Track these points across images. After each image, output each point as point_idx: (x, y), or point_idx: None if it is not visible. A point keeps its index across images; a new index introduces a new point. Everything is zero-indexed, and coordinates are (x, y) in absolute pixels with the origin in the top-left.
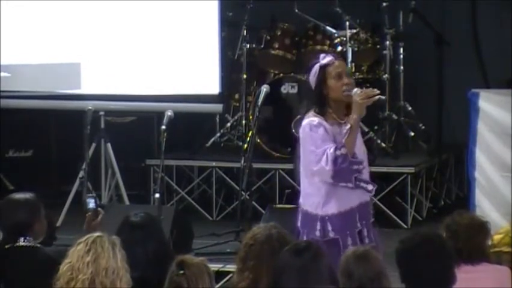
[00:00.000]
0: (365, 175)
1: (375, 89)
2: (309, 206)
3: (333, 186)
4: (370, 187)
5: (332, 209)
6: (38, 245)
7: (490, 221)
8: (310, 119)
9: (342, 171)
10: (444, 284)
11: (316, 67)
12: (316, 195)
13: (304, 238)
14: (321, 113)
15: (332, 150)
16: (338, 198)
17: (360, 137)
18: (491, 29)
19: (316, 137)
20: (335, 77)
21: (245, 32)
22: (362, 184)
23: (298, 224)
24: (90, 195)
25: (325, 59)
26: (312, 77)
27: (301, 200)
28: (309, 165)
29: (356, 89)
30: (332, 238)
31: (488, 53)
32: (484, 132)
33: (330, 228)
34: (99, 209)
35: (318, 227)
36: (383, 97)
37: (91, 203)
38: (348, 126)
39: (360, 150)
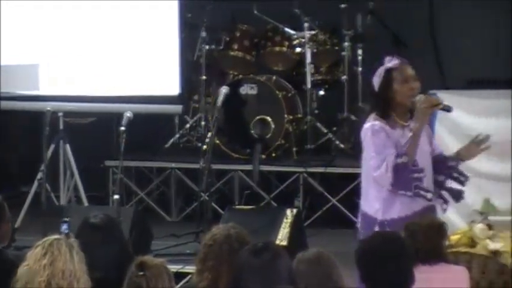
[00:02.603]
0: (426, 182)
1: (440, 98)
2: (369, 208)
3: (393, 193)
4: (429, 195)
5: (391, 214)
6: (0, 248)
7: (448, 222)
8: (372, 123)
9: (402, 179)
10: (403, 284)
11: (382, 70)
12: (376, 199)
13: None
14: (384, 116)
15: (392, 157)
16: (398, 204)
17: (428, 144)
18: (449, 30)
19: (377, 143)
20: (402, 81)
21: (204, 33)
22: (422, 192)
23: (358, 225)
24: (64, 219)
25: (391, 62)
26: (377, 79)
27: (361, 201)
28: (369, 171)
29: (419, 96)
30: None
31: (446, 54)
32: (442, 133)
33: None
34: (70, 233)
35: (377, 230)
36: (448, 106)
37: (63, 227)
38: (411, 134)
39: (425, 157)
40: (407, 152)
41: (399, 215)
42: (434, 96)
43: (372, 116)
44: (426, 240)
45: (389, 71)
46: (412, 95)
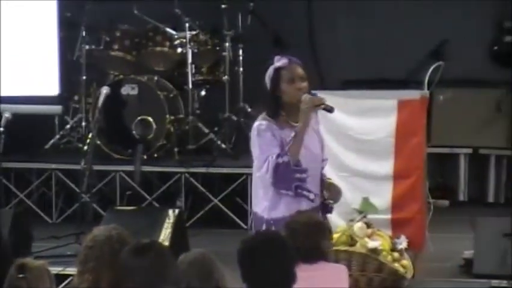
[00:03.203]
0: (311, 183)
1: (323, 98)
2: (258, 208)
3: (277, 192)
4: (312, 196)
5: (277, 213)
6: None
7: (327, 220)
8: (259, 123)
9: (283, 179)
10: (285, 283)
11: (271, 69)
12: (264, 198)
13: None
14: (273, 116)
15: (274, 157)
16: (284, 204)
17: (319, 149)
18: (327, 30)
19: (261, 142)
20: (288, 81)
21: (84, 32)
22: (304, 192)
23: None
24: None
25: (279, 61)
26: (267, 79)
27: (252, 200)
28: (254, 170)
29: (304, 95)
30: None
31: (323, 53)
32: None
33: None
34: None
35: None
36: (330, 106)
37: None
38: (292, 132)
39: (313, 159)
40: (289, 151)
41: (284, 214)
42: (317, 96)
43: (262, 115)
44: (306, 239)
45: (277, 70)
46: (299, 95)
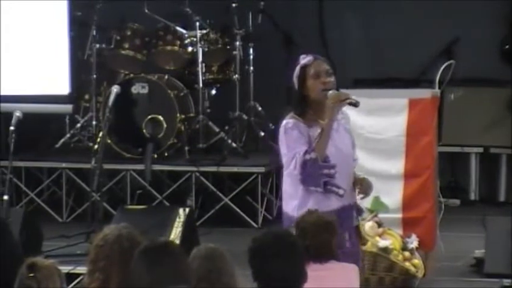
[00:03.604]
0: (340, 179)
1: (348, 93)
2: (288, 207)
3: (307, 190)
4: (341, 192)
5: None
6: None
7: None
8: (287, 121)
9: (311, 176)
10: (295, 282)
11: (297, 68)
12: (294, 197)
13: None
14: (300, 114)
15: (301, 154)
16: (314, 202)
17: (350, 146)
18: (338, 29)
19: (289, 140)
20: (313, 77)
21: (95, 32)
22: (334, 188)
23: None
24: None
25: (305, 59)
26: (294, 78)
27: (283, 201)
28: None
29: (331, 91)
30: None
31: (334, 52)
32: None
33: None
34: None
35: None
36: (355, 100)
37: None
38: (320, 130)
39: (342, 156)
40: (316, 147)
41: None
42: (342, 91)
43: (290, 114)
44: (315, 238)
45: (303, 68)
46: (323, 90)
